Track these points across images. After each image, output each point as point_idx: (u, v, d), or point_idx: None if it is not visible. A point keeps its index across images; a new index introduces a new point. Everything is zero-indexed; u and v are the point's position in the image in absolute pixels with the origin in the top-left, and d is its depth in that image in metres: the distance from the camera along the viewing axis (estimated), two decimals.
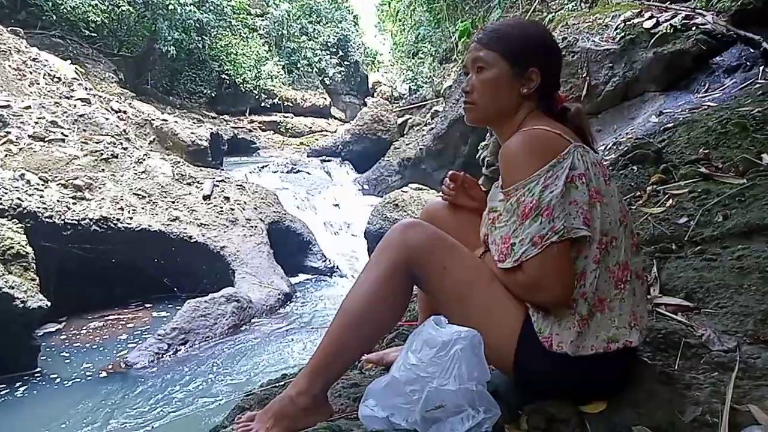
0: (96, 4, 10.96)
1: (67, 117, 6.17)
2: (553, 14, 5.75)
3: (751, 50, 3.75)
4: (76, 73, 8.09)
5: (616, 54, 4.32)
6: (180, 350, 4.16)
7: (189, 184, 6.04)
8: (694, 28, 4.03)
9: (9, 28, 7.85)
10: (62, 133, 5.65)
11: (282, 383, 1.69)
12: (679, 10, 4.30)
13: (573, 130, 1.26)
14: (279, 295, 5.23)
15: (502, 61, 1.28)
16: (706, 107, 3.31)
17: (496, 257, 1.23)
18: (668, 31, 4.06)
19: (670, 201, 2.26)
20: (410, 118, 11.03)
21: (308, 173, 10.03)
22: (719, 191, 2.16)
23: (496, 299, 1.22)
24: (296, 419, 1.24)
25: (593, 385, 1.21)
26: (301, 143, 15.32)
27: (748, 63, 3.73)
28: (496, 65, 1.28)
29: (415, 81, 14.43)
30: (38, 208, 4.45)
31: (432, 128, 8.40)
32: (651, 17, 4.29)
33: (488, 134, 5.29)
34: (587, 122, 1.33)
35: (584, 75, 4.44)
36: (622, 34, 4.32)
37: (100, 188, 5.18)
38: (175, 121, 8.66)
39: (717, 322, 1.51)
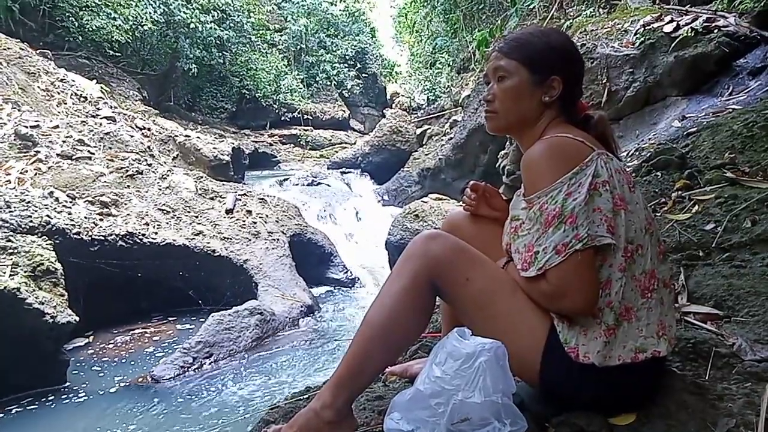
0: (119, 25, 11.25)
1: (93, 135, 6.31)
2: (571, 21, 5.73)
3: None
4: (102, 92, 8.28)
5: (636, 59, 4.28)
6: (205, 363, 4.20)
7: (212, 198, 6.12)
8: (715, 31, 3.98)
9: (38, 51, 8.09)
10: (89, 151, 5.78)
11: (306, 396, 1.69)
12: (700, 12, 4.24)
13: (596, 137, 1.25)
14: (302, 307, 5.25)
15: (523, 69, 1.28)
16: (730, 110, 3.26)
17: (519, 266, 1.23)
18: (689, 34, 4.01)
19: (696, 207, 2.22)
20: (429, 128, 11.04)
21: (329, 185, 10.10)
22: (747, 196, 2.12)
23: (519, 310, 1.22)
24: None
25: (621, 396, 1.19)
26: (321, 156, 15.43)
27: None
28: (516, 74, 1.28)
29: (433, 91, 14.46)
30: (66, 224, 4.55)
31: (451, 138, 8.39)
32: (671, 21, 4.25)
33: (508, 143, 5.27)
34: (610, 129, 1.32)
35: (604, 81, 4.41)
36: (642, 38, 4.28)
37: (125, 204, 5.28)
38: (198, 137, 8.80)
39: (748, 331, 1.47)
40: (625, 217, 1.16)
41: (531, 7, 7.31)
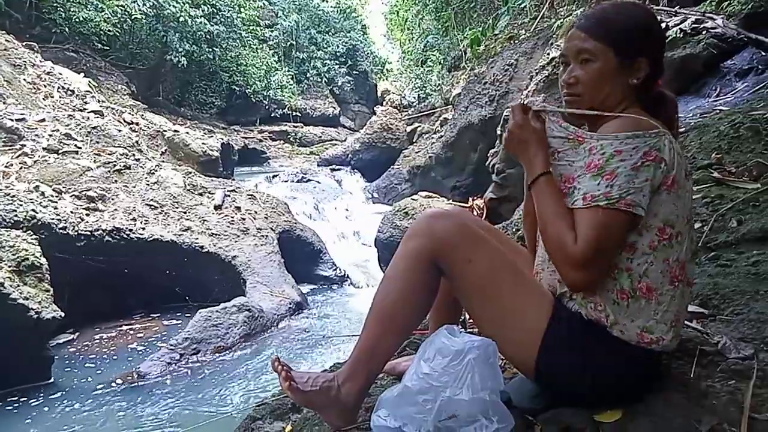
0: (107, 17, 11.11)
1: (80, 129, 6.24)
2: (562, 20, 5.75)
3: (763, 53, 3.72)
4: (89, 85, 8.18)
5: None
6: (192, 360, 4.17)
7: (200, 194, 6.08)
8: (704, 32, 4.01)
9: (24, 43, 7.98)
10: (76, 145, 5.71)
11: None
12: (689, 14, 4.27)
13: (664, 121, 1.22)
14: (290, 304, 5.24)
15: (610, 52, 1.20)
16: (717, 111, 3.29)
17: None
18: (678, 35, 4.04)
19: None
20: (419, 126, 11.04)
21: (318, 182, 10.06)
22: (733, 196, 2.14)
23: (520, 294, 1.21)
24: (327, 406, 1.27)
25: (618, 384, 1.19)
26: (311, 152, 15.38)
27: (760, 66, 3.70)
28: (603, 57, 1.21)
29: (424, 89, 14.45)
30: (52, 219, 4.50)
31: (441, 136, 8.39)
32: (660, 22, 4.27)
33: (498, 141, 5.27)
34: (676, 113, 1.30)
35: None
36: None
37: (112, 199, 5.23)
38: (187, 132, 8.74)
39: (733, 329, 1.48)
40: (670, 198, 1.13)
41: (522, 6, 7.33)
